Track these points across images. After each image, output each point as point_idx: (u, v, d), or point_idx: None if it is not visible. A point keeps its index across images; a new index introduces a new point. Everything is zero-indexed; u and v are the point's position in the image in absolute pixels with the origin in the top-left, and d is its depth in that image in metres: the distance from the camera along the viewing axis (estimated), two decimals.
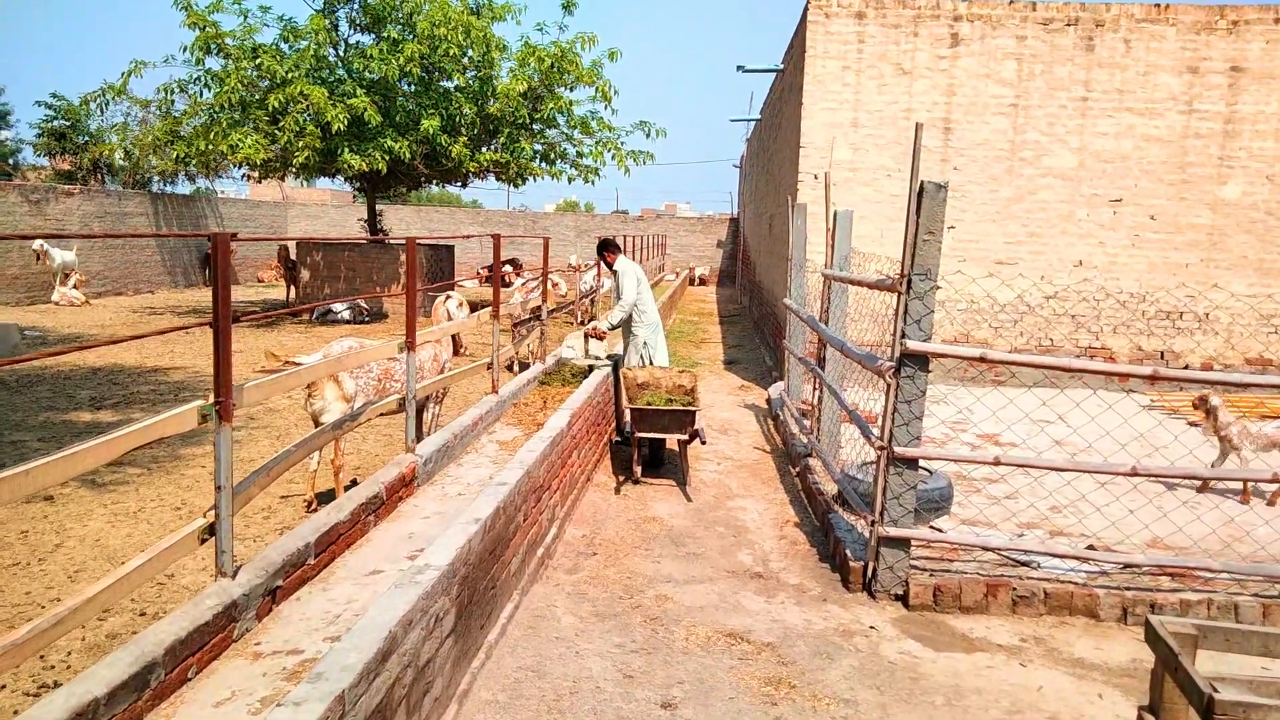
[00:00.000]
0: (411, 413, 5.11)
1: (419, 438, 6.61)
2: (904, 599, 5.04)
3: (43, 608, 4.40)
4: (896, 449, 4.95)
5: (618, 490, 7.04)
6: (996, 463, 5.05)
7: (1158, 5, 10.03)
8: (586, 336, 8.96)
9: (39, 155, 27.42)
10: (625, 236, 21.16)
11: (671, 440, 7.30)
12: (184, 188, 29.70)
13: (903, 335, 4.91)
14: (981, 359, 4.93)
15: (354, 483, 6.67)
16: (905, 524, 5.02)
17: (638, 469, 7.25)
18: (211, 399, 3.19)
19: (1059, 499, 6.29)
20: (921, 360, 4.91)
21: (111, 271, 22.11)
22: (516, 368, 10.57)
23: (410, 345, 5.06)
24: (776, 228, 13.82)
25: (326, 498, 6.07)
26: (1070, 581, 5.05)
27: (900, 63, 10.36)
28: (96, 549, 5.21)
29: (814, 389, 7.50)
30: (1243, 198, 10.35)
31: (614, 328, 8.53)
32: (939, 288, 4.95)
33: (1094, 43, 10.13)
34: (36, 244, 18.34)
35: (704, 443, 6.96)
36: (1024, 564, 5.30)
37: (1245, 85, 10.05)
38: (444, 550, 3.42)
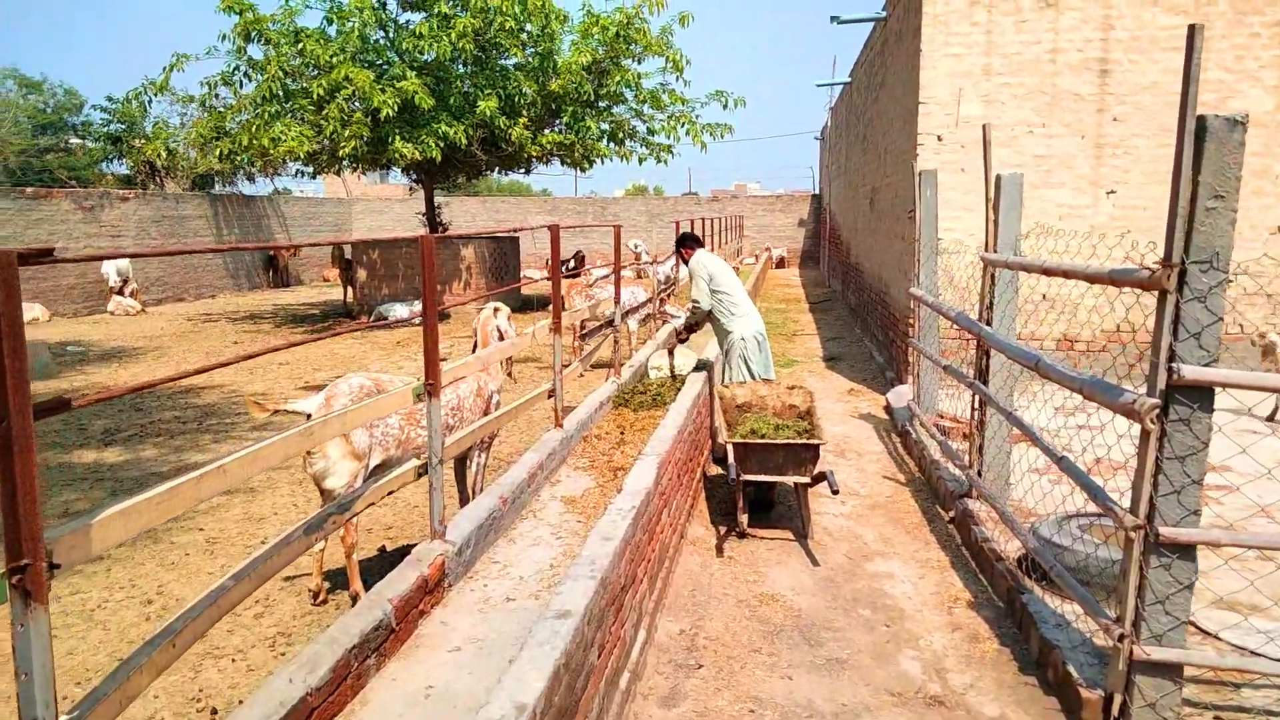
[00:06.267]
0: (437, 483, 3.59)
1: (464, 498, 5.12)
2: None
3: None
4: (1163, 529, 3.23)
5: (719, 550, 5.44)
6: None
7: None
8: (671, 352, 7.44)
9: (97, 162, 27.01)
10: (701, 219, 19.47)
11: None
12: (260, 188, 28.98)
13: (1171, 357, 3.18)
14: None
15: (382, 550, 5.23)
16: (1176, 641, 3.31)
17: (743, 518, 5.64)
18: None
19: None
20: (1204, 395, 3.17)
21: (171, 277, 21.39)
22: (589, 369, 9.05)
23: (432, 389, 3.54)
24: (881, 202, 11.97)
25: (339, 577, 4.63)
26: None
27: None
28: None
29: (973, 407, 5.76)
30: None
31: (688, 328, 7.27)
32: (1231, 281, 3.20)
33: None
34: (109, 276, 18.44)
35: (835, 491, 5.31)
36: None
37: None
38: None
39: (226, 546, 5.27)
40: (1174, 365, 3.16)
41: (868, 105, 13.88)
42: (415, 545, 5.31)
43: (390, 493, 3.52)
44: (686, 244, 7.30)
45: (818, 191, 31.47)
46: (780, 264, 30.22)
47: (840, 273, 19.83)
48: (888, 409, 8.91)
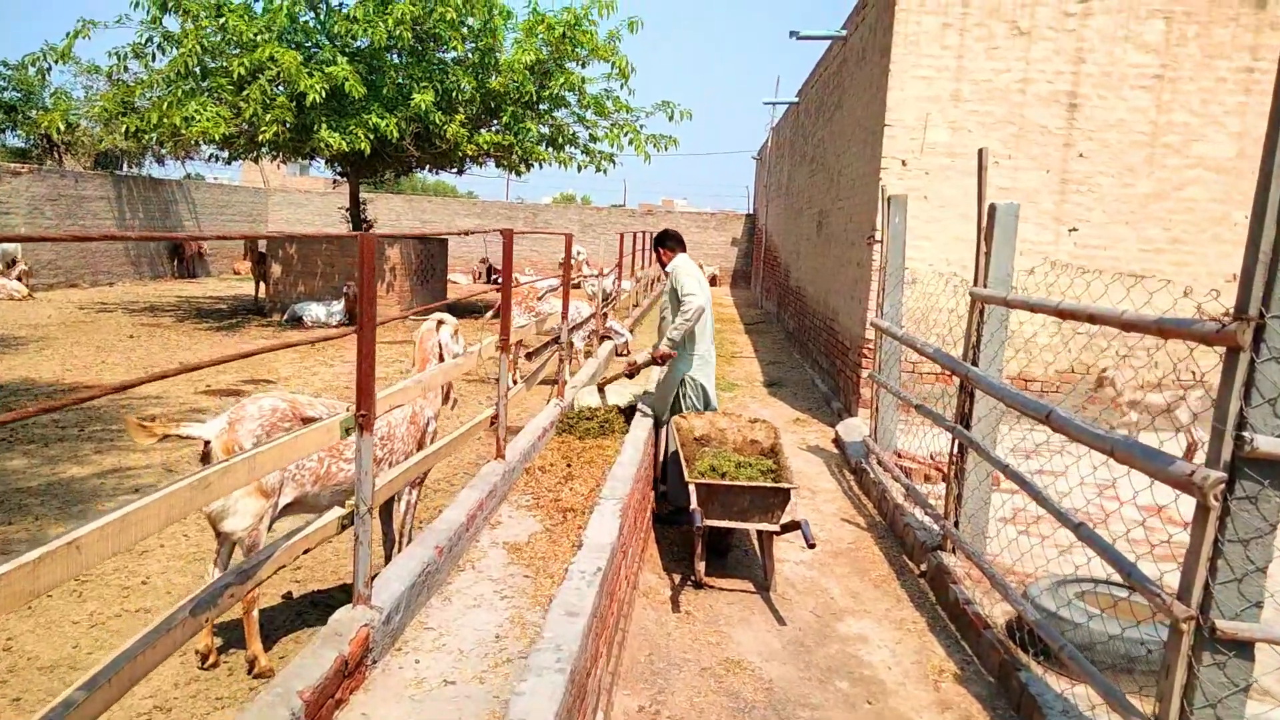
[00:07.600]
0: (365, 537, 2.93)
1: (390, 542, 4.43)
2: None
3: None
4: (1220, 623, 2.79)
5: (675, 604, 4.87)
6: None
7: None
8: (601, 389, 6.64)
9: None
10: (635, 233, 18.99)
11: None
12: (171, 171, 27.15)
13: (1240, 425, 2.75)
14: None
15: (288, 596, 4.49)
16: None
17: (700, 567, 5.08)
18: None
19: None
20: (1276, 470, 2.75)
21: (65, 261, 19.77)
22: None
23: (365, 421, 2.88)
24: (832, 226, 11.64)
25: (234, 633, 3.87)
26: None
27: (1017, 20, 8.18)
28: None
29: (951, 454, 5.32)
30: None
31: (674, 347, 6.03)
32: None
33: None
34: None
35: (812, 545, 4.77)
36: None
37: None
38: None
39: (99, 588, 4.45)
40: (1244, 434, 2.73)
41: (819, 126, 13.60)
42: (328, 590, 4.60)
43: (307, 551, 2.83)
44: (667, 244, 6.29)
45: (752, 211, 31.36)
46: (712, 282, 29.94)
47: (776, 295, 19.55)
48: (838, 442, 8.50)
